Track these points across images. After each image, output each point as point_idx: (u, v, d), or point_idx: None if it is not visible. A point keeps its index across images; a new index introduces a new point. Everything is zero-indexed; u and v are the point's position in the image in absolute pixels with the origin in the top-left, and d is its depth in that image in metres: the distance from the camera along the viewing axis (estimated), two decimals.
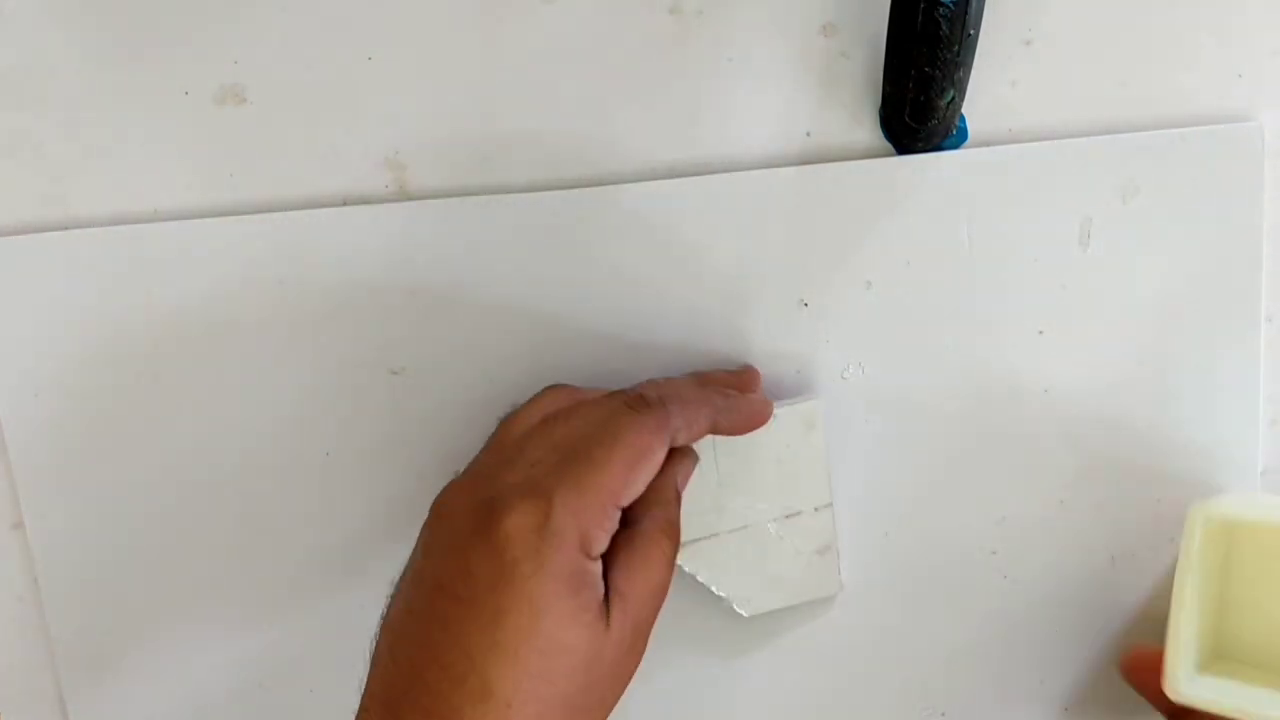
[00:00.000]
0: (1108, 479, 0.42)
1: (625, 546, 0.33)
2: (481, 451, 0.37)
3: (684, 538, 0.38)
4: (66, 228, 0.39)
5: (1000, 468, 0.41)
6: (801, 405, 0.40)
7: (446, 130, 0.39)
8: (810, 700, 0.43)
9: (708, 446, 0.39)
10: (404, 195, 0.40)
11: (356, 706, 0.34)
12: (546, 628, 0.30)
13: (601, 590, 0.32)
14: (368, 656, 0.33)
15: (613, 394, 0.35)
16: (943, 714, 0.44)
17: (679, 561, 0.39)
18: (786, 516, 0.40)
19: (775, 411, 0.39)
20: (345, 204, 0.40)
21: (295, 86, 0.39)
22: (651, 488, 0.34)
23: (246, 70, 0.38)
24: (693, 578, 0.40)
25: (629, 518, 0.34)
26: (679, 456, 0.36)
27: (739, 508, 0.40)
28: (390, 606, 0.33)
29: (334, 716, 0.43)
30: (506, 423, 0.37)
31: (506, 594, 0.30)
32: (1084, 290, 0.40)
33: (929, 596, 0.43)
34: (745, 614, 0.41)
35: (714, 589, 0.40)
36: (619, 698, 0.33)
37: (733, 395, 0.37)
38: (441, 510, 0.34)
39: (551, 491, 0.31)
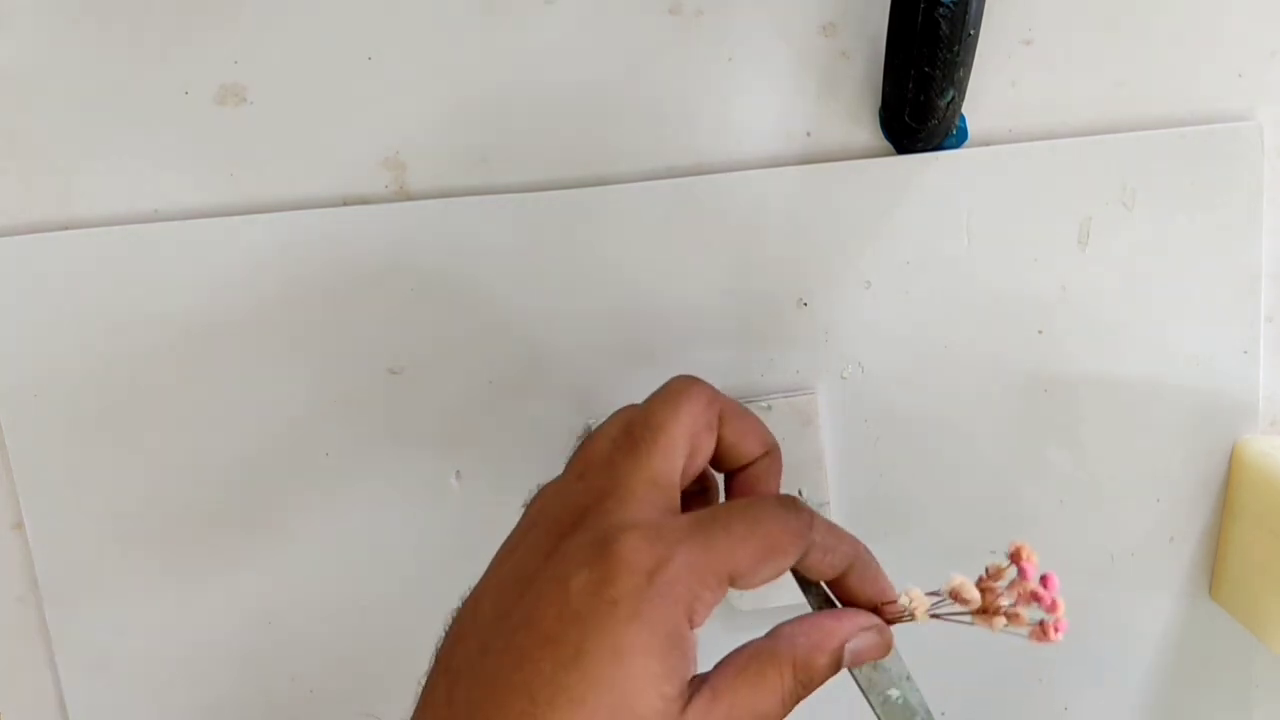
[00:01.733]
0: (1107, 479, 0.42)
1: (747, 654, 0.31)
2: (568, 472, 0.33)
3: None
4: (66, 228, 0.39)
5: (1000, 468, 0.41)
6: (798, 399, 0.40)
7: (446, 130, 0.39)
8: (808, 698, 0.43)
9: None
10: (404, 195, 0.40)
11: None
12: (622, 683, 0.27)
13: (692, 669, 0.29)
14: (417, 690, 0.31)
15: (732, 409, 0.34)
16: (942, 714, 0.44)
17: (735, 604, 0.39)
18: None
19: (771, 404, 0.39)
20: (345, 204, 0.40)
21: (295, 86, 0.39)
22: (814, 623, 0.32)
23: (246, 70, 0.38)
24: None
25: (771, 632, 0.32)
26: (868, 623, 0.33)
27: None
28: (451, 640, 0.31)
29: (334, 716, 0.43)
30: (590, 442, 0.34)
31: (594, 634, 0.27)
32: (1084, 290, 0.40)
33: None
34: (743, 608, 0.41)
35: None
36: None
37: (876, 561, 0.34)
38: (538, 540, 0.31)
39: (677, 543, 0.29)
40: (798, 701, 0.31)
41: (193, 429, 0.41)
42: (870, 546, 0.41)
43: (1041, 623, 0.31)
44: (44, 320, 0.40)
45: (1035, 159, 0.39)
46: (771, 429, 0.39)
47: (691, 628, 0.29)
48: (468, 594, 0.32)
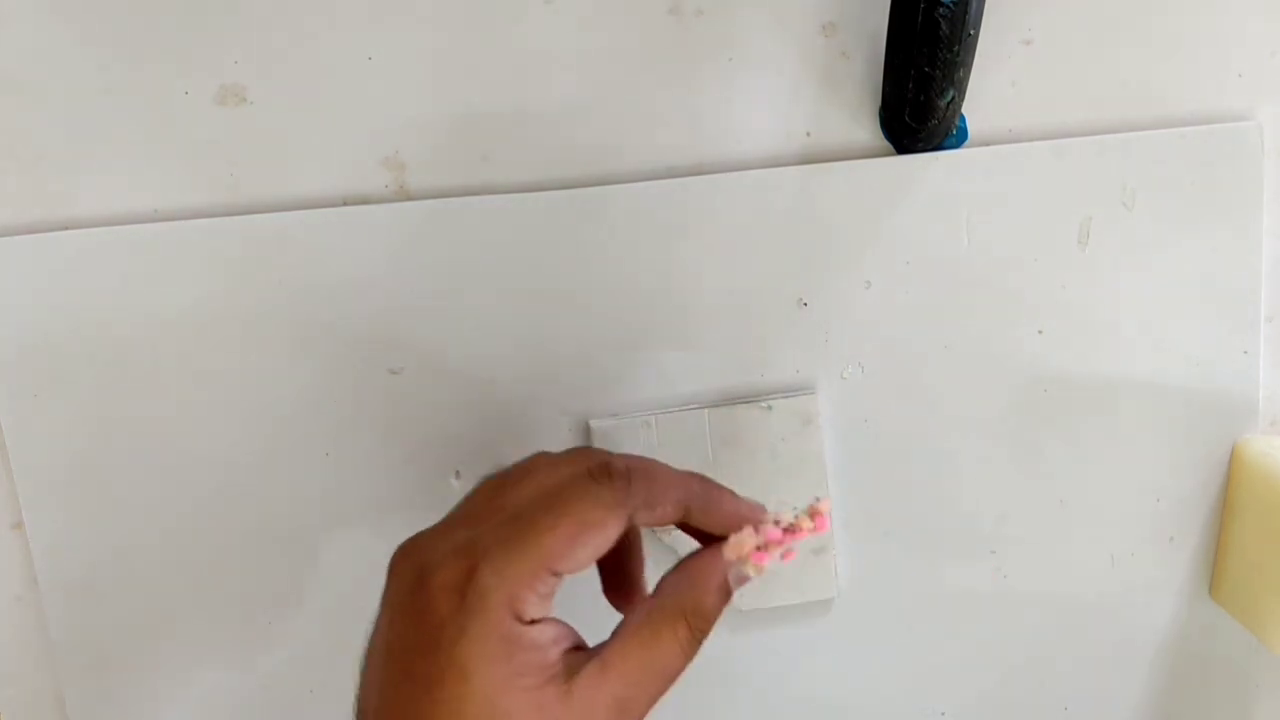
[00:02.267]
0: (1108, 479, 0.42)
1: (636, 618, 0.32)
2: (451, 512, 0.34)
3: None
4: (66, 228, 0.39)
5: (1000, 467, 0.41)
6: (798, 399, 0.40)
7: (446, 130, 0.39)
8: (808, 699, 0.43)
9: (703, 432, 0.39)
10: (404, 195, 0.40)
11: (355, 707, 0.34)
12: (478, 693, 0.28)
13: (551, 654, 0.30)
14: None
15: (580, 456, 0.33)
16: (942, 714, 0.44)
17: (668, 542, 0.39)
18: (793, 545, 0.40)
19: (771, 404, 0.39)
20: (345, 204, 0.40)
21: (295, 86, 0.39)
22: (693, 569, 0.32)
23: (246, 70, 0.38)
24: None
25: (657, 588, 0.33)
26: (719, 558, 0.33)
27: None
28: (360, 684, 0.32)
29: (334, 716, 0.43)
30: (484, 485, 0.34)
31: (434, 659, 0.28)
32: (1084, 290, 0.40)
33: (928, 596, 0.43)
34: (744, 608, 0.41)
35: None
36: None
37: (717, 488, 0.34)
38: (390, 574, 0.32)
39: (482, 553, 0.29)
40: (699, 646, 0.32)
41: (193, 429, 0.41)
42: (869, 545, 0.42)
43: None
44: (44, 320, 0.40)
45: (1035, 159, 0.39)
46: (771, 429, 0.39)
47: (523, 622, 0.29)
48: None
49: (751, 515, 0.33)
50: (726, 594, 0.32)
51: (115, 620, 0.42)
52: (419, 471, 0.41)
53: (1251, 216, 0.39)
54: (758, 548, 0.32)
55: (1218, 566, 0.42)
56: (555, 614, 0.31)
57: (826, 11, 0.39)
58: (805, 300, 0.40)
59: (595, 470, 0.31)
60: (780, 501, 0.40)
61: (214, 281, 0.40)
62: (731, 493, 0.34)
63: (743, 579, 0.33)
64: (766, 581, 0.40)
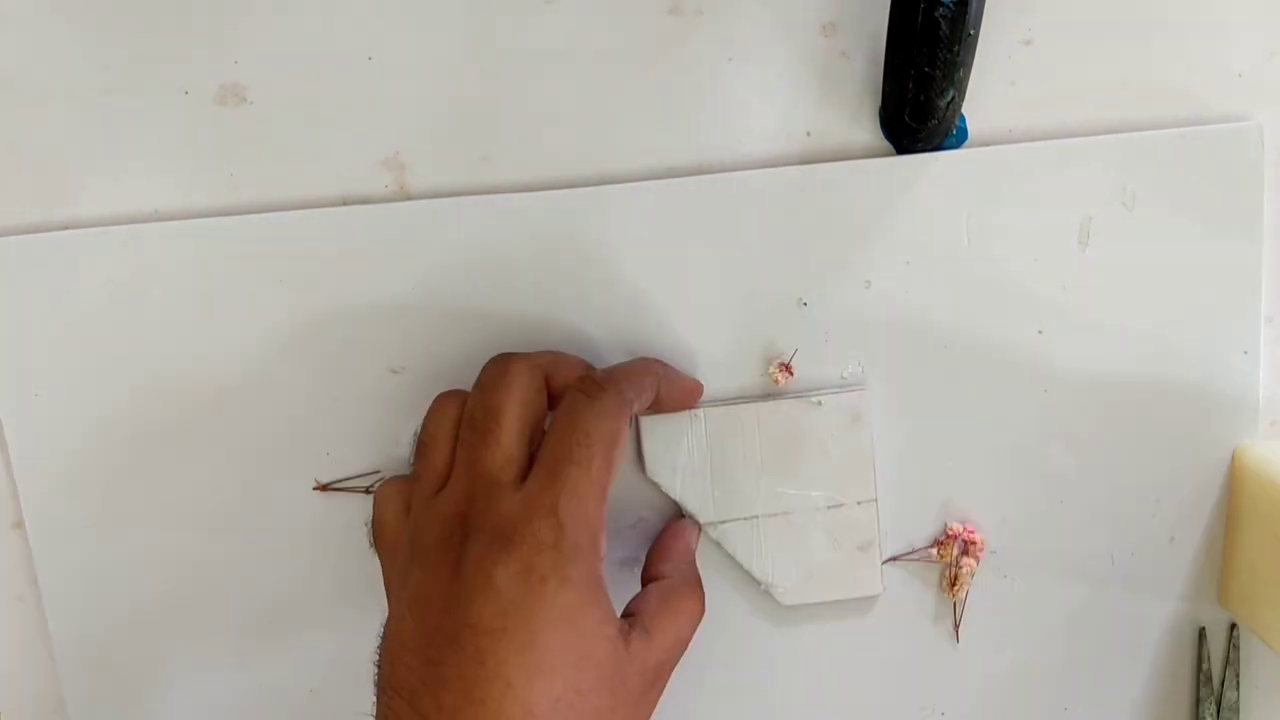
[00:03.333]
0: (1108, 479, 0.42)
1: (658, 592, 0.36)
2: (420, 485, 0.36)
3: (723, 516, 0.40)
4: (66, 228, 0.39)
5: (1000, 467, 0.41)
6: (849, 395, 0.40)
7: (446, 130, 0.39)
8: (806, 696, 0.43)
9: (752, 427, 0.40)
10: (404, 195, 0.40)
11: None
12: (576, 640, 0.31)
13: (608, 599, 0.33)
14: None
15: (546, 362, 0.36)
16: (943, 714, 0.44)
17: (716, 537, 0.40)
18: (828, 508, 0.40)
19: (821, 400, 0.39)
20: (345, 204, 0.40)
21: (295, 86, 0.39)
22: (675, 551, 0.38)
23: (246, 70, 0.38)
24: (731, 557, 0.41)
25: (656, 572, 0.37)
26: (691, 528, 0.40)
27: (780, 493, 0.40)
28: (390, 663, 0.33)
29: (334, 716, 0.43)
30: (427, 448, 0.36)
31: (539, 614, 0.30)
32: (1084, 290, 0.40)
33: (928, 595, 0.43)
34: (785, 603, 0.41)
35: (752, 571, 0.41)
36: None
37: (668, 366, 0.39)
38: (431, 557, 0.33)
39: (555, 505, 0.32)
40: (703, 613, 0.37)
41: (192, 429, 0.41)
42: (861, 513, 0.41)
43: None
44: (44, 320, 0.40)
45: (1035, 159, 0.39)
46: (821, 425, 0.40)
47: (600, 559, 0.33)
48: (382, 632, 0.34)
49: (696, 387, 0.40)
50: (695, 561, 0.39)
51: (115, 620, 0.42)
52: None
53: (1251, 216, 0.39)
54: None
55: (1225, 573, 0.42)
56: None
57: (826, 11, 0.39)
58: (805, 300, 0.40)
59: (587, 388, 0.34)
60: (828, 497, 0.41)
61: (214, 281, 0.40)
62: (678, 371, 0.39)
63: (697, 539, 0.40)
64: (808, 574, 0.41)
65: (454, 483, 0.35)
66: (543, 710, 0.30)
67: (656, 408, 0.38)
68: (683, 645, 0.35)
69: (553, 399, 0.36)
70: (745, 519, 0.41)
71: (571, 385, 0.35)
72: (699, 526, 0.40)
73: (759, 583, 0.41)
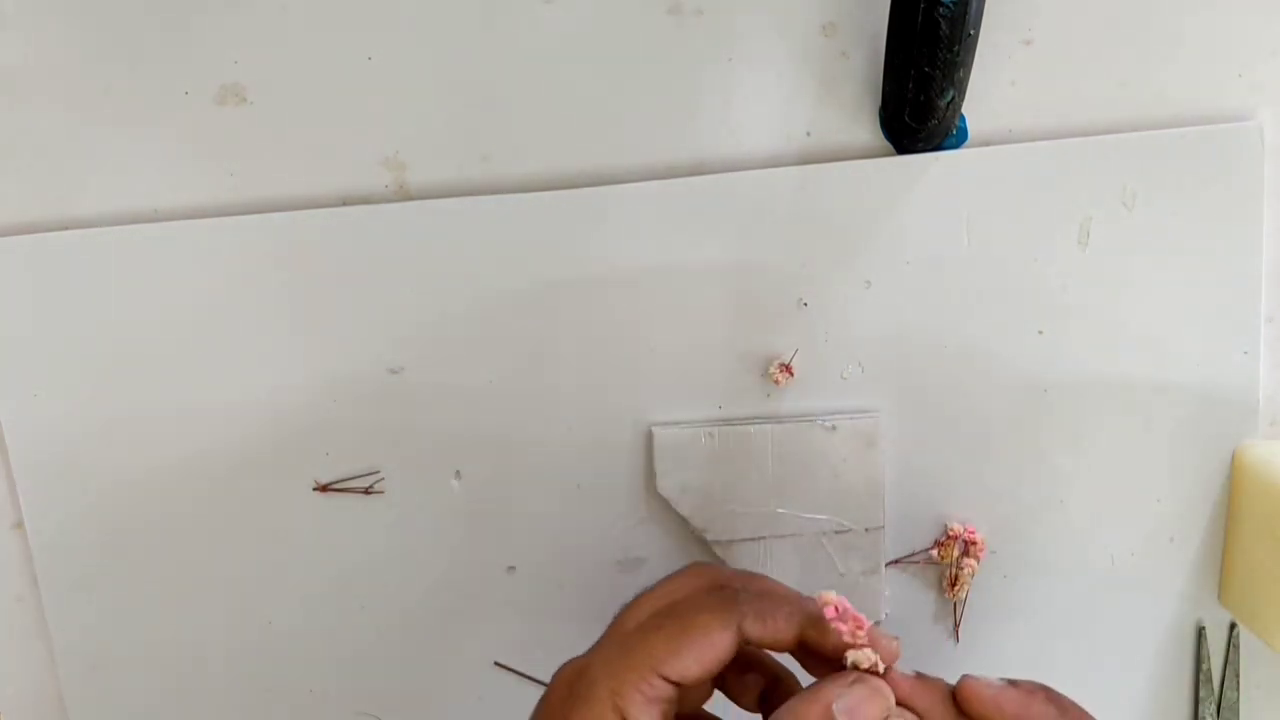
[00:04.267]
0: (1107, 479, 0.42)
1: None
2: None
3: (730, 535, 0.40)
4: (66, 228, 0.39)
5: (1000, 467, 0.41)
6: (862, 421, 0.40)
7: (446, 130, 0.39)
8: None
9: (763, 448, 0.40)
10: (404, 195, 0.40)
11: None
12: None
13: None
14: None
15: (704, 574, 0.34)
16: None
17: (722, 555, 0.40)
18: (837, 532, 0.40)
19: (835, 424, 0.40)
20: (345, 204, 0.40)
21: (295, 86, 0.39)
22: (800, 697, 0.31)
23: (246, 70, 0.38)
24: None
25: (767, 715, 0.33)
26: (851, 680, 0.31)
27: (788, 515, 0.40)
28: None
29: (334, 716, 0.43)
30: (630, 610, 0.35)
31: None
32: (1084, 290, 0.40)
33: (928, 596, 0.43)
34: None
35: None
36: None
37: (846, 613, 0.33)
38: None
39: (596, 651, 0.32)
40: None
41: (192, 429, 0.41)
42: (868, 540, 0.41)
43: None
44: (44, 320, 0.40)
45: (1035, 159, 0.39)
46: (834, 450, 0.40)
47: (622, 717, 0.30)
48: None
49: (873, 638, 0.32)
50: None
51: (115, 620, 0.42)
52: (419, 471, 0.41)
53: (1251, 216, 0.39)
54: (835, 615, 0.31)
55: (1225, 572, 0.42)
56: None
57: (826, 11, 0.39)
58: (805, 300, 0.40)
59: (711, 587, 0.33)
60: (837, 522, 0.40)
61: (214, 281, 0.40)
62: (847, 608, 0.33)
63: (854, 715, 0.30)
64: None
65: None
66: None
67: (813, 645, 0.32)
68: None
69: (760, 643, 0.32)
70: (753, 539, 0.41)
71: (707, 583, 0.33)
72: (883, 700, 0.31)
73: None
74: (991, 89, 0.39)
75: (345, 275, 0.40)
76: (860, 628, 0.31)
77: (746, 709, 0.35)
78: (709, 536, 0.41)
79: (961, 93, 0.37)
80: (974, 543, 0.41)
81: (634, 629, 0.32)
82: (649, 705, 0.30)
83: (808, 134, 0.39)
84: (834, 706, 0.30)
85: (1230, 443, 0.41)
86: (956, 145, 0.39)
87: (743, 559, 0.41)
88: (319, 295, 0.40)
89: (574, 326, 0.40)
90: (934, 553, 0.42)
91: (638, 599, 0.34)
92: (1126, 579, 0.42)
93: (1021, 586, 0.42)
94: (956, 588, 0.41)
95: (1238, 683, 0.43)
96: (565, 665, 0.33)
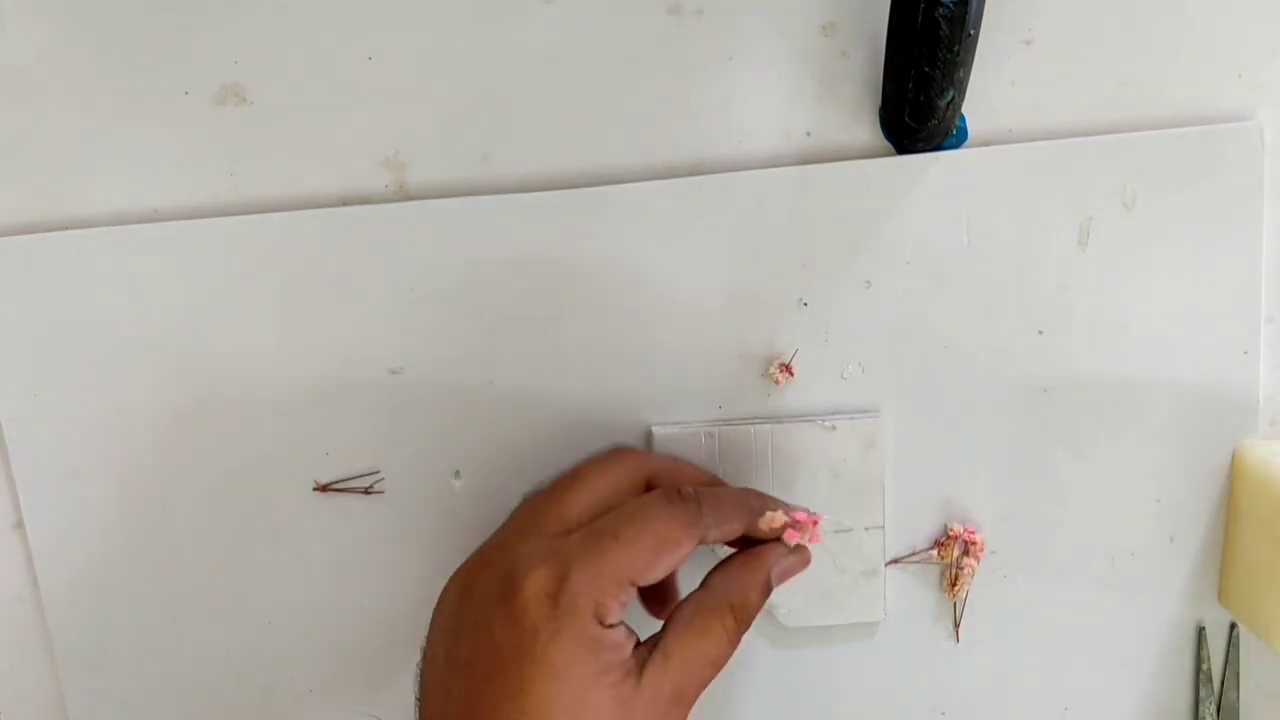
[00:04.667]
0: (1107, 479, 0.42)
1: (689, 611, 0.34)
2: (499, 530, 0.38)
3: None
4: (66, 228, 0.39)
5: (1000, 467, 0.41)
6: (862, 421, 0.40)
7: (446, 130, 0.39)
8: (799, 690, 0.43)
9: (764, 448, 0.40)
10: (404, 195, 0.40)
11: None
12: (569, 691, 0.31)
13: (626, 652, 0.32)
14: None
15: (628, 464, 0.37)
16: (943, 714, 0.44)
17: (721, 554, 0.40)
18: (836, 532, 0.41)
19: (835, 425, 0.40)
20: (345, 204, 0.40)
21: (295, 86, 0.39)
22: (740, 565, 0.36)
23: (246, 70, 0.38)
24: None
25: (704, 584, 0.35)
26: (785, 551, 0.36)
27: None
28: (424, 693, 0.34)
29: (334, 716, 0.43)
30: (529, 501, 0.38)
31: (528, 664, 0.31)
32: (1084, 290, 0.40)
33: (928, 596, 0.43)
34: (788, 624, 0.41)
35: None
36: None
37: (772, 501, 0.37)
38: (464, 588, 0.34)
39: (571, 560, 0.32)
40: (742, 635, 0.35)
41: (192, 428, 0.41)
42: (868, 539, 0.42)
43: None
44: (44, 320, 0.40)
45: (1035, 159, 0.39)
46: (834, 450, 0.40)
47: (605, 626, 0.32)
48: (425, 644, 0.35)
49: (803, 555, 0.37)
50: (768, 589, 0.36)
51: (115, 620, 0.42)
52: (419, 471, 0.41)
53: (1251, 216, 0.39)
54: (788, 526, 0.36)
55: (1225, 572, 0.42)
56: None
57: (826, 11, 0.39)
58: (805, 300, 0.40)
59: (670, 494, 0.34)
60: (837, 522, 0.41)
61: (214, 281, 0.40)
62: (785, 504, 0.37)
63: (786, 578, 0.36)
64: (813, 598, 0.41)
65: (512, 517, 0.36)
66: None
67: (756, 537, 0.37)
68: (710, 665, 0.34)
69: None
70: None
71: (661, 488, 0.35)
72: (805, 558, 0.37)
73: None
74: (991, 89, 0.39)
75: (345, 275, 0.40)
76: (817, 531, 0.36)
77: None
78: None
79: (961, 93, 0.37)
80: (974, 543, 0.41)
81: (601, 536, 0.33)
82: (622, 609, 0.33)
83: (808, 134, 0.39)
84: (772, 572, 0.36)
85: (1230, 443, 0.41)
86: (956, 145, 0.39)
87: None
88: (319, 295, 0.40)
89: (574, 326, 0.40)
90: (934, 553, 0.42)
91: (565, 489, 0.36)
92: (1126, 579, 0.42)
93: (1021, 586, 0.42)
94: (956, 588, 0.41)
95: (1238, 683, 0.43)
96: (477, 570, 0.34)
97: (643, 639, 0.34)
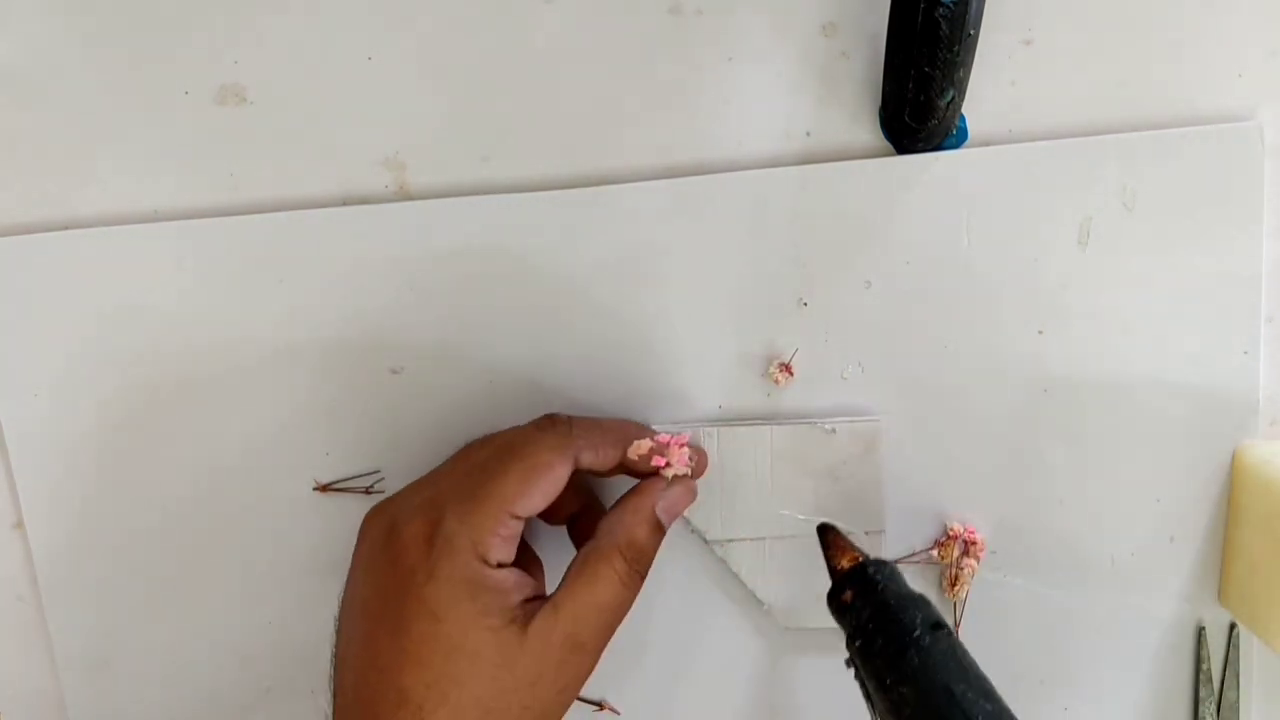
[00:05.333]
0: (1107, 479, 0.42)
1: (579, 559, 0.34)
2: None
3: (730, 535, 0.39)
4: (66, 228, 0.39)
5: (1000, 468, 0.41)
6: (863, 425, 0.40)
7: (446, 130, 0.39)
8: (797, 689, 0.43)
9: (764, 449, 0.40)
10: (404, 195, 0.40)
11: (332, 660, 0.35)
12: (447, 631, 0.31)
13: (513, 598, 0.32)
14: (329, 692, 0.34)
15: (539, 417, 0.36)
16: None
17: (721, 554, 0.40)
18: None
19: (835, 427, 0.40)
20: (345, 204, 0.40)
21: (295, 86, 0.39)
22: (623, 506, 0.35)
23: (246, 70, 0.38)
24: (736, 575, 0.41)
25: (595, 530, 0.35)
26: (667, 484, 0.36)
27: (788, 517, 0.40)
28: (336, 637, 0.35)
29: None
30: (452, 455, 0.37)
31: (406, 603, 0.31)
32: (1084, 290, 0.40)
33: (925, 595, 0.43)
34: (785, 625, 0.41)
35: (756, 592, 0.41)
36: (562, 708, 0.33)
37: (651, 430, 0.38)
38: (360, 536, 0.35)
39: (445, 503, 0.32)
40: (640, 579, 0.35)
41: (192, 428, 0.41)
42: (869, 543, 0.41)
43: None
44: (44, 320, 0.40)
45: (1035, 159, 0.39)
46: (834, 454, 0.40)
47: (489, 565, 0.32)
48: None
49: (690, 489, 0.37)
50: (657, 526, 0.36)
51: (115, 620, 0.42)
52: (419, 471, 0.41)
53: (1251, 216, 0.39)
54: (654, 452, 0.36)
55: (1225, 572, 0.42)
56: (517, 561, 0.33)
57: (826, 11, 0.39)
58: (805, 300, 0.40)
59: (540, 422, 0.35)
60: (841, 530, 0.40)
61: (214, 281, 0.40)
62: (657, 432, 0.37)
63: (673, 511, 0.36)
64: (812, 600, 0.41)
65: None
66: (416, 695, 0.31)
67: (633, 467, 0.37)
68: (605, 611, 0.34)
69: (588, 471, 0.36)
70: (752, 539, 0.41)
71: (532, 422, 0.35)
72: (690, 491, 0.37)
73: (761, 603, 0.41)
74: (991, 89, 0.39)
75: (345, 275, 0.40)
76: (681, 453, 0.37)
77: (556, 525, 0.39)
78: (709, 536, 0.41)
79: (961, 93, 0.37)
80: (974, 543, 0.41)
81: (473, 472, 0.33)
82: (505, 544, 0.33)
83: (808, 134, 0.39)
84: (656, 508, 0.35)
85: (1230, 443, 0.41)
86: (956, 145, 0.39)
87: (741, 558, 0.41)
88: (319, 295, 0.40)
89: (574, 326, 0.40)
90: (934, 553, 0.42)
91: (464, 449, 0.36)
92: (1126, 579, 0.42)
93: (1021, 586, 0.42)
94: (956, 588, 0.41)
95: (1238, 683, 0.43)
96: (379, 512, 0.34)
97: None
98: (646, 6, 0.38)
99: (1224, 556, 0.42)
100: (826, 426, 0.40)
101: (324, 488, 0.41)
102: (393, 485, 0.41)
